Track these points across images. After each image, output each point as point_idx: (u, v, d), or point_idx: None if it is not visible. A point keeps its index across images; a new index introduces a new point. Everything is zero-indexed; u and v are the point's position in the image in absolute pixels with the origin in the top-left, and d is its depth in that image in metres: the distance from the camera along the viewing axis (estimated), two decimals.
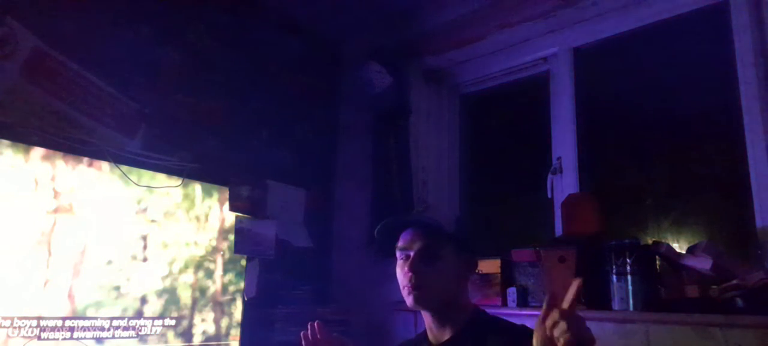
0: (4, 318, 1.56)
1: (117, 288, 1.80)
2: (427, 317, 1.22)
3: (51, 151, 1.71)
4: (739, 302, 1.44)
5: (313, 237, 2.47)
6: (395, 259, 1.24)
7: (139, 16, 2.04)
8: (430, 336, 1.23)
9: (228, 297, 2.12)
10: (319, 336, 1.24)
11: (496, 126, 2.56)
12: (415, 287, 1.16)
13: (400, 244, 1.22)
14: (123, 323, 1.80)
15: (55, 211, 1.69)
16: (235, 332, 2.11)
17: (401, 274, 1.20)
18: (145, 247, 1.89)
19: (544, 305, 0.87)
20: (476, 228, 2.35)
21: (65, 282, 1.69)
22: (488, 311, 1.26)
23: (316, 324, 1.25)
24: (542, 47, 2.24)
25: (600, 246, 1.73)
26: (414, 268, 1.16)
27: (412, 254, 1.18)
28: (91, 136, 1.82)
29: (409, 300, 1.17)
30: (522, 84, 2.37)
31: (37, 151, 1.68)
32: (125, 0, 2.01)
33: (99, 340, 1.73)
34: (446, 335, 1.19)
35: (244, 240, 2.17)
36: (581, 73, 2.15)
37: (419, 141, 2.46)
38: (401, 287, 1.20)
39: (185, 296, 1.98)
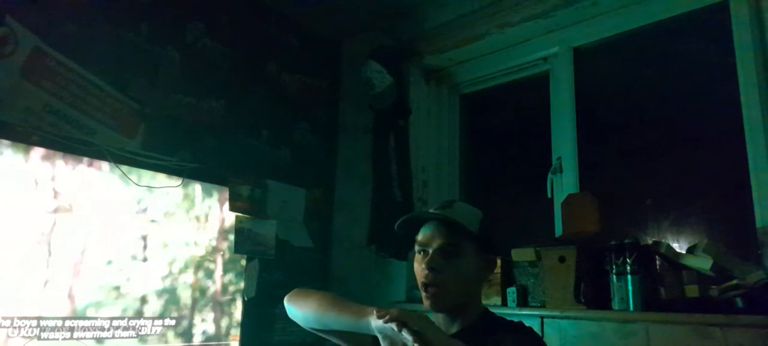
0: (4, 318, 1.55)
1: (117, 288, 1.80)
2: (437, 315, 1.19)
3: (51, 151, 1.71)
4: (739, 302, 1.44)
5: (313, 237, 2.47)
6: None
7: (139, 16, 2.04)
8: None
9: (228, 297, 2.12)
10: None
11: (496, 126, 2.56)
12: (433, 288, 1.12)
13: (419, 238, 1.17)
14: (123, 323, 1.79)
15: (55, 211, 1.69)
16: (235, 332, 2.11)
17: (418, 269, 1.16)
18: (145, 247, 1.89)
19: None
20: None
21: (65, 282, 1.69)
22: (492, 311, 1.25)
23: None
24: (542, 47, 2.24)
25: (600, 246, 1.73)
26: (432, 265, 1.12)
27: (430, 251, 1.14)
28: (91, 136, 1.82)
29: (426, 303, 1.14)
30: (522, 84, 2.37)
31: (37, 151, 1.68)
32: (125, 0, 2.01)
33: (99, 340, 1.73)
34: (453, 330, 1.16)
35: (244, 240, 2.17)
36: (581, 73, 2.15)
37: (419, 141, 2.46)
38: (418, 283, 1.16)
39: (185, 296, 1.98)
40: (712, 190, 1.83)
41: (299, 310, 1.25)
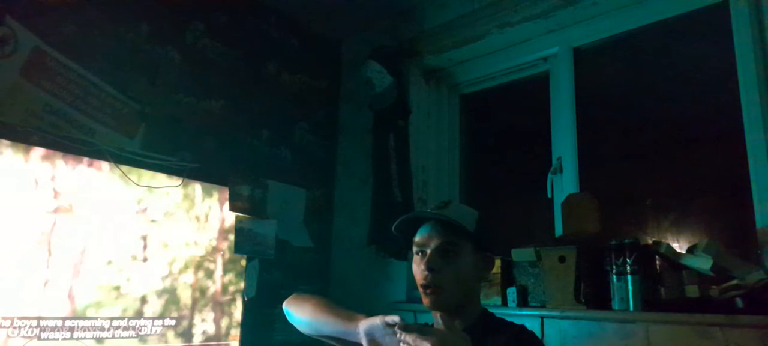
0: (4, 318, 1.55)
1: (117, 288, 1.80)
2: (436, 314, 1.20)
3: (51, 151, 1.71)
4: (739, 302, 1.44)
5: (313, 237, 2.47)
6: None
7: (139, 16, 2.04)
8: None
9: (228, 297, 2.11)
10: None
11: (496, 126, 2.56)
12: (432, 288, 1.12)
13: (417, 239, 1.17)
14: (123, 323, 1.79)
15: (55, 211, 1.69)
16: (235, 332, 2.11)
17: (417, 270, 1.16)
18: (145, 247, 1.89)
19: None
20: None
21: (65, 282, 1.69)
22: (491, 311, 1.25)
23: None
24: (542, 47, 2.24)
25: (600, 246, 1.73)
26: (431, 265, 1.12)
27: (428, 251, 1.14)
28: (91, 136, 1.82)
29: (425, 302, 1.14)
30: (522, 84, 2.37)
31: (37, 151, 1.68)
32: (125, 0, 2.01)
33: (99, 340, 1.73)
34: None
35: (244, 240, 2.17)
36: (581, 73, 2.15)
37: (419, 141, 2.46)
38: (418, 284, 1.16)
39: (185, 296, 1.98)
40: (712, 190, 1.83)
41: (296, 316, 1.28)
